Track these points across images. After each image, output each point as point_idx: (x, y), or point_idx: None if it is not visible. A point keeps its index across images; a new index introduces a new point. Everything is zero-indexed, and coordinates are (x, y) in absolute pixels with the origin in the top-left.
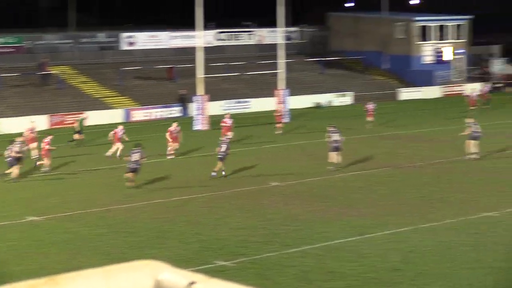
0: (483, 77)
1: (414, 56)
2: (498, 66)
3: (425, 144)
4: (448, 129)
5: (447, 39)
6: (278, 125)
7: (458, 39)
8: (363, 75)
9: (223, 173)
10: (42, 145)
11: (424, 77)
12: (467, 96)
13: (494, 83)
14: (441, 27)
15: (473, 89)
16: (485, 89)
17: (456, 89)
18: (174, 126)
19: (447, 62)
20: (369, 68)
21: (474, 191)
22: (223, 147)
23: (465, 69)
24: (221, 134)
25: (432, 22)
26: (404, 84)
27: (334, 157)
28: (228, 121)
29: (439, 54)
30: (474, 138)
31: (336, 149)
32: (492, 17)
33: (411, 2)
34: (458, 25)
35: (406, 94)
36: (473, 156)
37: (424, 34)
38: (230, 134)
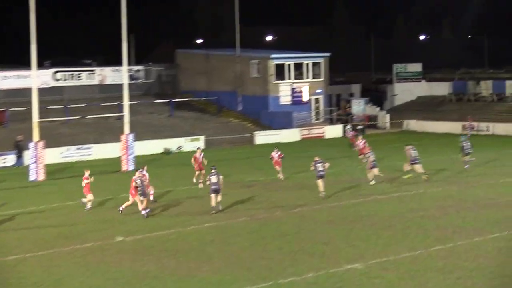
0: (344, 119)
1: (271, 97)
2: (358, 106)
3: (285, 192)
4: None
5: (305, 78)
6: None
7: (315, 78)
8: (217, 117)
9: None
10: None
11: (282, 119)
12: (349, 136)
13: (355, 125)
14: (298, 65)
15: (348, 128)
16: (350, 133)
17: (315, 131)
18: (198, 152)
19: (306, 102)
20: (223, 109)
21: (337, 241)
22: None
23: (324, 110)
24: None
25: (288, 59)
26: (260, 127)
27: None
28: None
29: (297, 94)
30: (320, 177)
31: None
32: (346, 56)
33: (267, 39)
34: (315, 63)
35: (263, 137)
36: (322, 194)
37: (281, 72)
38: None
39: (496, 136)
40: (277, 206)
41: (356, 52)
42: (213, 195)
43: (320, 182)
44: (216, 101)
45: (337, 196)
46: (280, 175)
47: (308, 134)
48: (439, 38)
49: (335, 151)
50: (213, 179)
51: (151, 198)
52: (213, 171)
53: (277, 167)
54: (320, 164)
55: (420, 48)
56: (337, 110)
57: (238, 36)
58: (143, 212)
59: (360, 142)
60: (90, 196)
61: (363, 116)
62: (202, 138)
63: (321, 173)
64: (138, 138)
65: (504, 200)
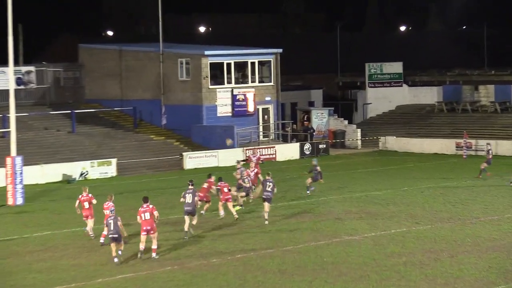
0: (301, 135)
1: (206, 106)
2: (320, 119)
3: (225, 231)
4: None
5: (250, 82)
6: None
7: (264, 81)
8: (133, 134)
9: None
10: None
11: (220, 136)
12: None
13: (314, 143)
14: (241, 64)
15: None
16: (254, 158)
17: (264, 152)
18: (239, 166)
19: (252, 114)
20: (141, 124)
21: None
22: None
23: (276, 124)
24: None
25: (228, 57)
26: (191, 146)
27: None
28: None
29: (240, 103)
30: (267, 200)
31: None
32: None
33: (200, 30)
34: (263, 62)
35: (195, 160)
36: (265, 219)
37: (218, 74)
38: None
39: (499, 157)
40: (215, 250)
41: (316, 48)
42: (186, 217)
43: (266, 205)
44: (133, 113)
45: (293, 236)
46: (221, 212)
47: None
48: (424, 29)
49: (289, 178)
50: (188, 198)
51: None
52: (190, 187)
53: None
54: (269, 184)
55: (400, 42)
56: (292, 124)
57: (162, 26)
58: (115, 259)
59: (252, 170)
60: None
61: (326, 132)
62: (113, 161)
63: (268, 194)
64: (28, 161)
65: (511, 242)
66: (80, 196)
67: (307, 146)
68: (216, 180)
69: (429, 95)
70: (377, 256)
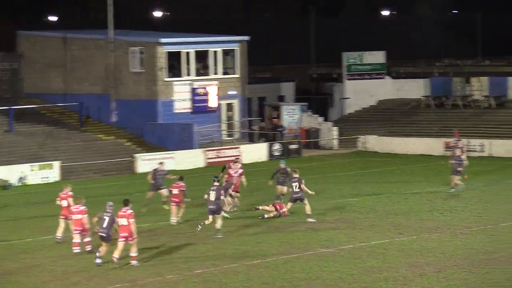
0: (270, 134)
1: (161, 102)
2: (291, 116)
3: (182, 243)
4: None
5: (212, 74)
6: None
7: (228, 73)
8: (79, 133)
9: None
10: None
11: (178, 136)
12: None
13: (284, 144)
14: (202, 54)
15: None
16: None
17: (228, 153)
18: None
19: (214, 110)
20: (88, 121)
21: None
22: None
23: (241, 122)
24: None
25: (187, 46)
26: (145, 147)
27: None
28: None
29: (201, 98)
30: (299, 199)
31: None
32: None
33: (154, 14)
34: (227, 51)
35: (149, 163)
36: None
37: (176, 65)
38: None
39: (494, 159)
40: (171, 265)
41: (288, 35)
42: (210, 217)
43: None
44: (79, 109)
45: (259, 248)
46: (174, 219)
47: (216, 157)
48: (410, 14)
49: (256, 183)
50: (212, 195)
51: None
52: (215, 183)
53: (173, 207)
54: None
55: (383, 29)
56: (260, 121)
57: (112, 10)
58: (98, 260)
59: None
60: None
61: (298, 130)
62: (56, 164)
63: (296, 195)
64: None
65: (508, 255)
66: (60, 193)
67: (276, 146)
68: (178, 179)
69: (415, 89)
70: (355, 271)
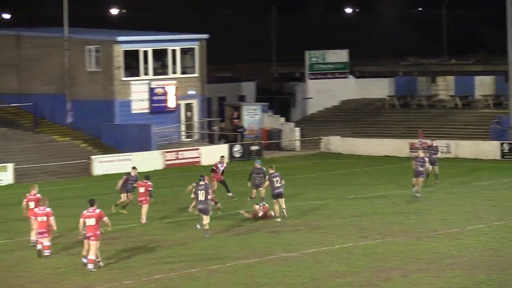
0: (230, 135)
1: (118, 102)
2: (252, 116)
3: (140, 245)
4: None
5: (170, 73)
6: None
7: (186, 72)
8: (33, 134)
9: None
10: None
11: (135, 137)
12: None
13: (245, 145)
14: (160, 52)
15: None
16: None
17: (187, 155)
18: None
19: (172, 110)
20: (43, 122)
21: None
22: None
23: (201, 122)
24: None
25: (145, 44)
26: (101, 149)
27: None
28: None
29: (159, 98)
30: (279, 195)
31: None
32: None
33: (111, 12)
34: (186, 50)
35: (106, 165)
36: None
37: (133, 64)
38: None
39: (460, 160)
40: (128, 270)
41: (248, 33)
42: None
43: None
44: (33, 110)
45: (220, 253)
46: (144, 218)
47: (175, 159)
48: (373, 12)
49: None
50: (201, 195)
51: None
52: (201, 183)
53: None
54: (276, 178)
55: (346, 27)
56: (220, 122)
57: (67, 8)
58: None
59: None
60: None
61: (259, 131)
62: (9, 167)
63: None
64: None
65: (474, 259)
66: (27, 195)
67: (237, 147)
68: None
69: (379, 88)
70: (318, 276)
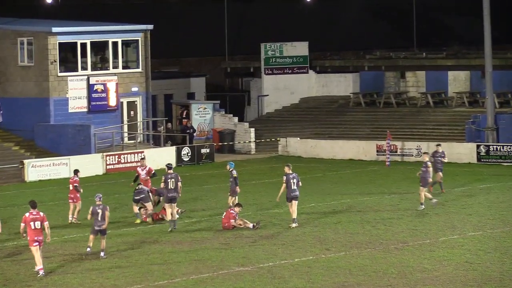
0: (178, 137)
1: (54, 100)
2: (202, 116)
3: (80, 258)
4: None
5: (112, 68)
6: None
7: (129, 67)
8: None
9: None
10: None
11: (72, 139)
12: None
13: (194, 147)
14: (100, 45)
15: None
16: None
17: (130, 159)
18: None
19: (114, 109)
20: None
21: None
22: None
23: (145, 122)
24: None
25: (83, 36)
26: (35, 152)
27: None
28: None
29: (99, 96)
30: (294, 198)
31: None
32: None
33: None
34: (129, 42)
35: (40, 170)
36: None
37: (70, 58)
38: None
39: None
40: (65, 286)
41: (198, 24)
42: (167, 205)
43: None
44: None
45: (167, 268)
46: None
47: (117, 163)
48: (336, 1)
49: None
50: (171, 183)
51: None
52: (170, 171)
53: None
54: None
55: (306, 17)
56: (167, 122)
57: None
58: (102, 254)
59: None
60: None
61: (210, 132)
62: None
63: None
64: None
65: (448, 273)
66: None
67: (185, 150)
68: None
69: (342, 85)
70: None
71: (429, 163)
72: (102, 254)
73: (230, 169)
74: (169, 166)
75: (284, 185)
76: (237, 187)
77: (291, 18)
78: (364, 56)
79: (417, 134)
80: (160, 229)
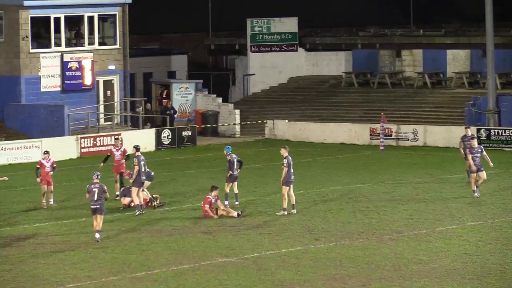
0: (158, 119)
1: (25, 78)
2: (183, 96)
3: (53, 248)
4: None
5: (87, 44)
6: None
7: (106, 43)
8: None
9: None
10: None
11: (45, 120)
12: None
13: (175, 130)
14: (75, 19)
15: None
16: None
17: (106, 142)
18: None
19: (89, 88)
20: None
21: None
22: None
23: (123, 103)
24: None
25: (56, 9)
26: (4, 133)
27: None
28: None
29: (73, 74)
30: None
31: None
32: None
33: None
34: (105, 17)
35: (10, 153)
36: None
37: (43, 34)
38: None
39: (430, 149)
40: (37, 277)
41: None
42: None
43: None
44: None
45: (145, 258)
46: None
47: (92, 146)
48: None
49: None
50: (142, 166)
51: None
52: (138, 153)
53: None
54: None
55: None
56: (146, 102)
57: None
58: (97, 235)
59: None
60: None
61: (192, 114)
62: None
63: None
64: None
65: (446, 265)
66: None
67: (166, 133)
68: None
69: (334, 64)
70: (262, 285)
71: (480, 148)
72: (97, 235)
73: (227, 153)
74: (137, 148)
75: (285, 169)
76: (229, 172)
77: None
78: (357, 33)
79: (413, 116)
80: (136, 218)
